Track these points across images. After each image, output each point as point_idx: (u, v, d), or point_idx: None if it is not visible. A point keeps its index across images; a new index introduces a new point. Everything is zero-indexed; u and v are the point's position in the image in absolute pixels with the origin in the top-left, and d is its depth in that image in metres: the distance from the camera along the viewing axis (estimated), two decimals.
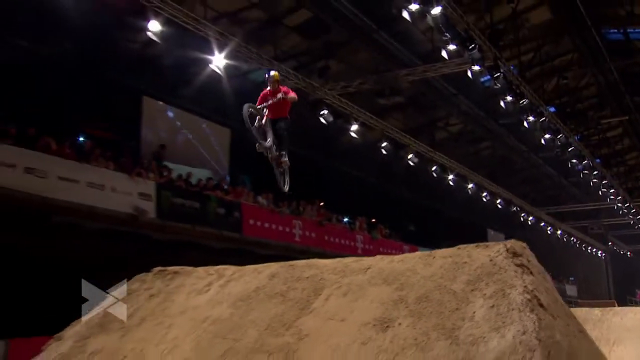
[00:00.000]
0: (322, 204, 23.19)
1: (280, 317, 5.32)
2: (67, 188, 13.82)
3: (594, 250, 51.24)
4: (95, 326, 6.75)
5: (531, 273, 4.49)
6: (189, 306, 6.31)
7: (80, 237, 13.89)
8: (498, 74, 18.10)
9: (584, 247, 49.01)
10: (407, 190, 30.14)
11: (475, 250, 4.89)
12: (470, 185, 30.08)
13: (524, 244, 4.78)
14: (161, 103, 19.92)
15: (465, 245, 5.05)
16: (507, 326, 4.02)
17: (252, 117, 9.03)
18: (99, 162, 15.05)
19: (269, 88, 9.37)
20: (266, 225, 19.25)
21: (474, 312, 4.29)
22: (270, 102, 9.18)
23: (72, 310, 7.55)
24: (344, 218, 24.37)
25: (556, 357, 3.80)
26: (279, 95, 9.18)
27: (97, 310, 7.12)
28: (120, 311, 6.91)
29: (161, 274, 7.12)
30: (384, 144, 23.58)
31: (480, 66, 17.61)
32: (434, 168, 26.93)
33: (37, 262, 12.63)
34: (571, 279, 43.98)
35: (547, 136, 24.32)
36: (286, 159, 9.69)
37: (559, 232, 42.94)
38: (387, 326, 4.56)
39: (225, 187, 19.34)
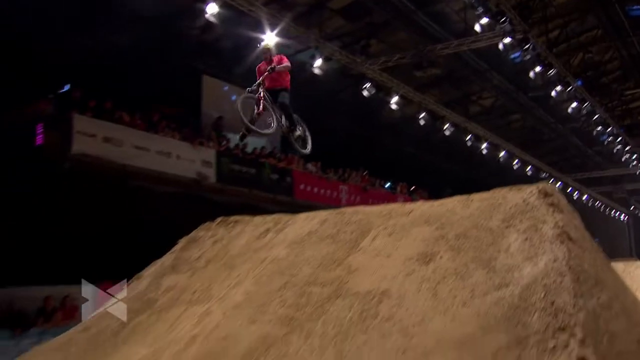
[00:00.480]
0: (365, 172, 23.17)
1: (332, 255, 5.38)
2: (139, 155, 14.25)
3: (618, 213, 50.20)
4: (168, 267, 6.95)
5: (561, 211, 4.44)
6: (249, 249, 6.43)
7: (151, 198, 14.29)
8: (528, 45, 17.69)
9: (608, 210, 48.05)
10: (444, 159, 29.84)
11: (509, 193, 4.86)
12: (502, 154, 29.67)
13: (555, 186, 4.73)
14: (219, 81, 20.12)
15: (500, 189, 5.03)
16: (539, 256, 4.00)
17: (248, 106, 8.30)
18: (166, 133, 15.39)
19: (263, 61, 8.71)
20: (315, 190, 19.39)
21: (509, 245, 4.27)
22: (265, 74, 8.46)
23: (148, 257, 7.82)
24: (386, 184, 24.33)
25: (584, 282, 3.77)
26: (269, 67, 8.46)
27: (167, 257, 7.38)
28: (187, 255, 7.14)
29: (224, 222, 7.26)
30: (422, 115, 23.42)
31: (511, 38, 17.23)
32: (468, 137, 26.63)
33: (117, 219, 13.04)
34: (596, 239, 42.98)
35: (574, 105, 23.73)
36: (298, 131, 9.05)
37: (585, 197, 42.14)
38: (429, 260, 4.57)
39: (278, 155, 19.51)
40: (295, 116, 9.09)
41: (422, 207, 5.43)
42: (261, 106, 8.35)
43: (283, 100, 8.67)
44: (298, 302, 4.97)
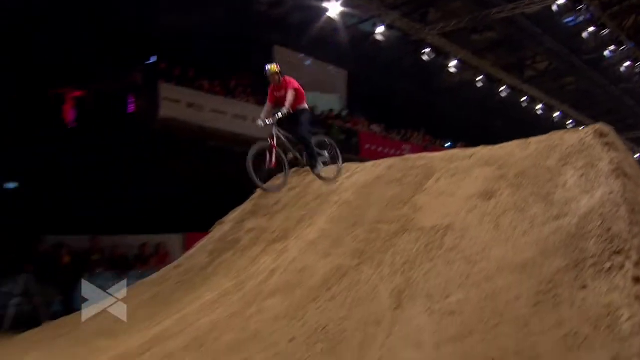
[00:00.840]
0: (425, 132, 22.96)
1: (398, 196, 5.45)
2: (218, 119, 14.57)
3: None
4: (248, 213, 7.22)
5: (617, 149, 4.35)
6: (321, 193, 6.58)
7: (229, 158, 14.61)
8: (581, 6, 16.90)
9: None
10: (500, 120, 29.08)
11: (566, 134, 4.78)
12: (556, 114, 28.72)
13: (611, 127, 4.61)
14: (289, 50, 20.16)
15: (557, 131, 4.96)
16: (595, 189, 3.96)
17: (260, 162, 7.08)
18: (242, 98, 15.66)
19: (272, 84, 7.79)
20: (380, 149, 19.30)
21: (566, 181, 4.23)
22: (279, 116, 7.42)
23: (227, 210, 8.11)
24: (445, 144, 24.01)
25: (639, 213, 3.70)
26: (282, 93, 7.61)
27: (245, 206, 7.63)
28: (265, 202, 7.37)
29: (297, 172, 7.45)
30: (479, 78, 22.94)
31: None
32: (524, 99, 25.90)
33: (198, 176, 13.49)
34: None
35: (627, 64, 22.60)
36: (320, 166, 7.18)
37: (637, 155, 40.36)
38: (490, 196, 4.58)
39: (345, 116, 19.60)
40: (324, 142, 7.97)
41: (483, 151, 5.42)
42: (274, 158, 7.13)
43: (302, 133, 7.53)
44: (368, 237, 5.10)
